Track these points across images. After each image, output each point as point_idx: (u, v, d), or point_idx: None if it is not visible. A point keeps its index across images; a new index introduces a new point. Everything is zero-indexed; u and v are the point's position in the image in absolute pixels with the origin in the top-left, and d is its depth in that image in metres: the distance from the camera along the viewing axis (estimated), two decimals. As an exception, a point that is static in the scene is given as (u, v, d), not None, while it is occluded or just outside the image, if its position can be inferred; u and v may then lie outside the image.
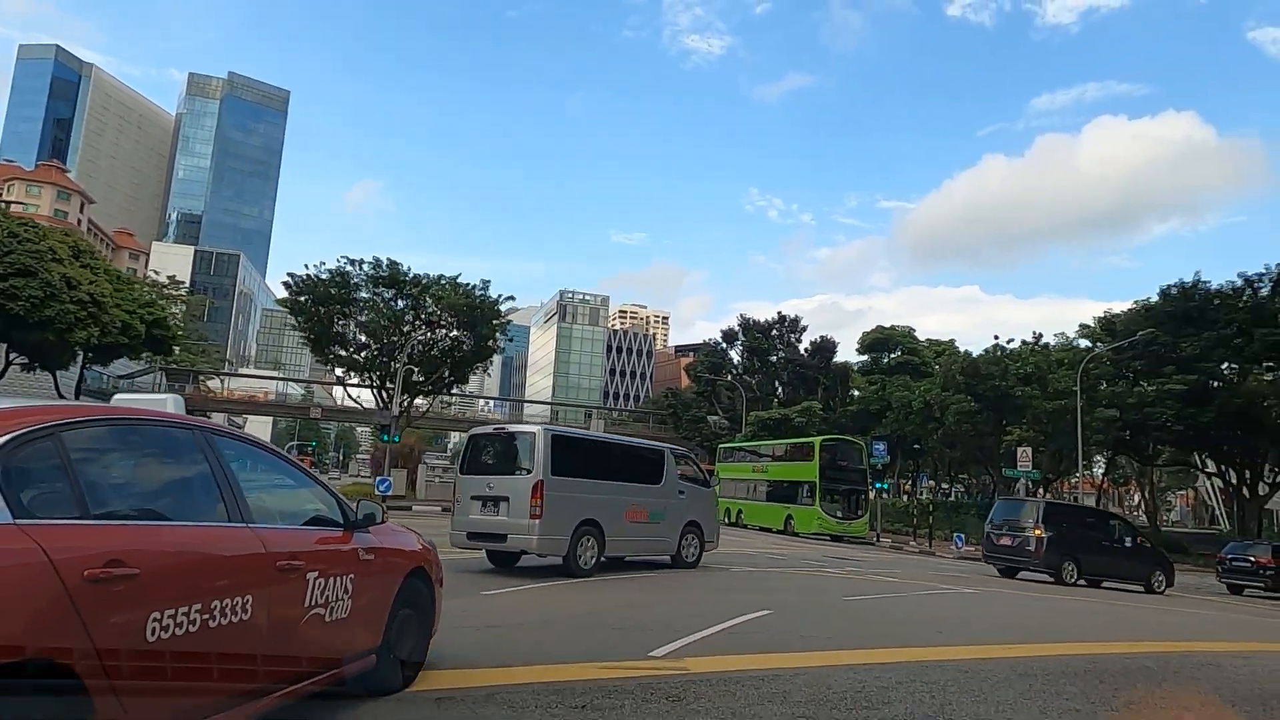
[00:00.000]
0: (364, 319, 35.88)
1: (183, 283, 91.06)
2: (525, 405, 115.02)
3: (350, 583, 4.05)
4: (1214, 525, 68.19)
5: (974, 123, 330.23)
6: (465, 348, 36.59)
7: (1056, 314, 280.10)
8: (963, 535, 32.01)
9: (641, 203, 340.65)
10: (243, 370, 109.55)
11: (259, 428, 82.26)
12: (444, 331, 36.40)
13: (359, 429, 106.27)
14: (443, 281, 35.98)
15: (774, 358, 64.62)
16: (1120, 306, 47.62)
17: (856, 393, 59.88)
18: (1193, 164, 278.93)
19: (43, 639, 2.40)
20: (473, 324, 35.90)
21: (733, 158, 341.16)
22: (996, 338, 48.10)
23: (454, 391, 47.48)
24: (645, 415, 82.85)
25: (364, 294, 35.63)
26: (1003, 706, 4.94)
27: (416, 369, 36.00)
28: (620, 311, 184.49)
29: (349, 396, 45.14)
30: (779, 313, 66.05)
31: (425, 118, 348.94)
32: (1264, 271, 38.72)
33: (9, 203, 79.87)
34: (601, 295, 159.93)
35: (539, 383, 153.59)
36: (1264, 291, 38.22)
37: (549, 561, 12.12)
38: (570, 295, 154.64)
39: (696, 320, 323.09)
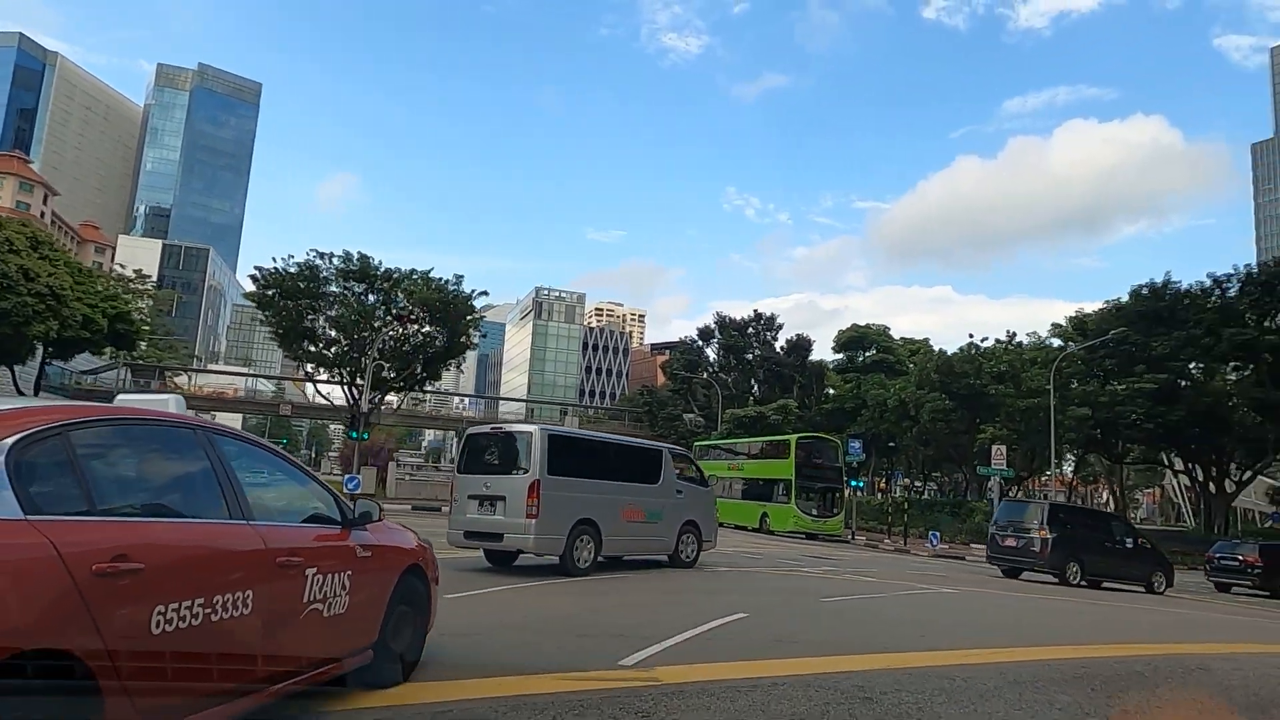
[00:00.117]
0: (334, 314, 35.21)
1: (149, 277, 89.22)
2: (500, 403, 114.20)
3: (348, 579, 4.12)
4: (1180, 522, 69.19)
5: (948, 124, 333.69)
6: (438, 343, 36.07)
7: (1028, 314, 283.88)
8: (938, 533, 32.00)
9: (618, 201, 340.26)
10: (212, 366, 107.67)
11: (227, 424, 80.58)
12: (416, 327, 35.81)
13: (332, 426, 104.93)
14: (415, 276, 35.39)
15: (750, 356, 64.47)
16: (1091, 307, 48.06)
17: (832, 391, 59.91)
18: (1160, 167, 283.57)
19: (54, 631, 2.47)
20: (445, 319, 35.36)
21: (710, 156, 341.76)
22: (971, 336, 48.26)
23: (427, 388, 46.79)
24: (621, 413, 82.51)
25: (334, 288, 34.97)
26: (994, 719, 4.66)
27: (388, 365, 35.37)
28: (597, 309, 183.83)
29: (319, 393, 44.33)
30: (755, 311, 65.95)
31: (401, 114, 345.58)
32: (1232, 272, 39.26)
33: (-33, 193, 77.65)
34: (578, 293, 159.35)
35: (514, 380, 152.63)
36: (1232, 292, 38.68)
37: (546, 560, 12.04)
38: (546, 292, 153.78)
39: (673, 319, 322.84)
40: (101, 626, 2.59)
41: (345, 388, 35.89)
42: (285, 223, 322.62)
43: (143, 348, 61.09)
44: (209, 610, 3.09)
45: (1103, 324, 41.42)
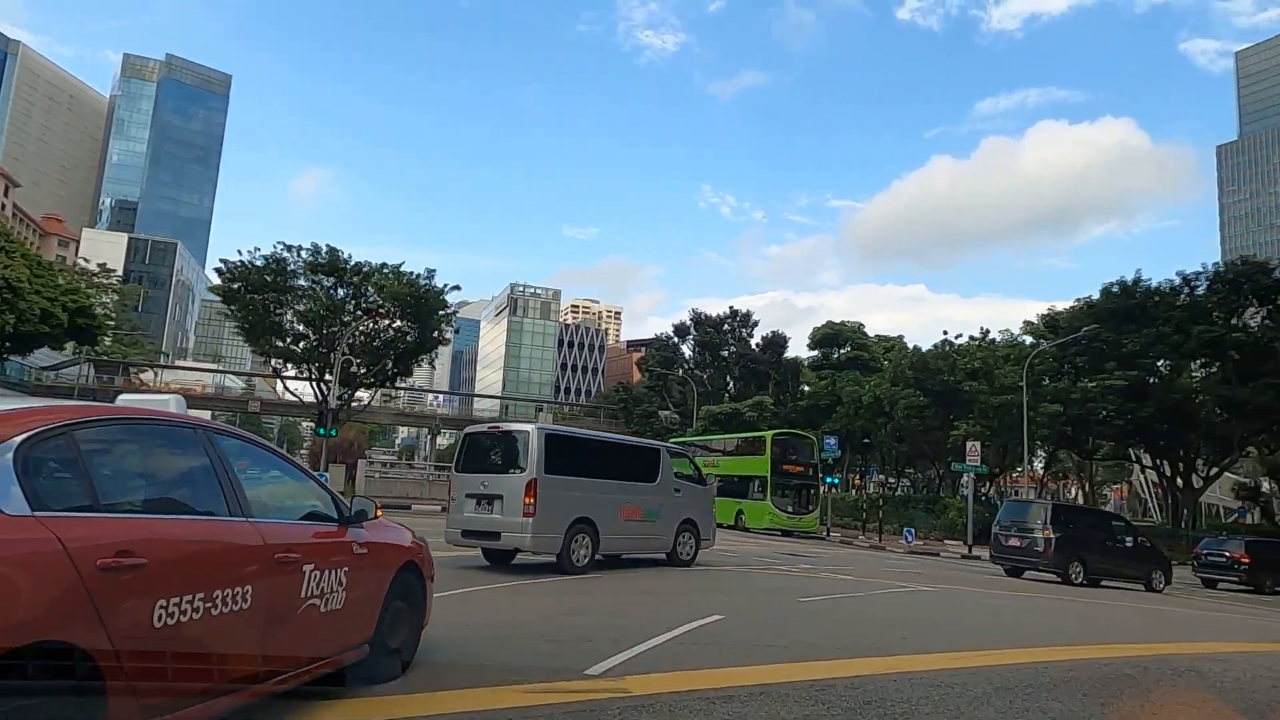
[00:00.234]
0: (302, 308, 34.37)
1: (114, 271, 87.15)
2: (475, 400, 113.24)
3: (344, 575, 4.19)
4: (1147, 517, 70.16)
5: (922, 124, 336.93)
6: (409, 339, 35.37)
7: (999, 313, 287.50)
8: (912, 530, 32.03)
9: (594, 198, 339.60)
10: (179, 363, 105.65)
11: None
12: (387, 322, 35.10)
13: (304, 423, 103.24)
14: (386, 270, 34.66)
15: (725, 352, 64.30)
16: (1062, 305, 48.46)
17: (807, 388, 59.89)
18: (1129, 168, 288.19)
19: (60, 624, 2.53)
20: (417, 314, 34.67)
21: (686, 154, 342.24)
22: (945, 333, 48.53)
23: (399, 385, 46.04)
24: (596, 410, 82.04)
25: (302, 282, 34.12)
26: (982, 729, 4.40)
27: (358, 361, 34.64)
28: (572, 306, 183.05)
29: (287, 389, 43.39)
30: (731, 308, 65.69)
31: (375, 109, 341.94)
32: (1201, 270, 39.74)
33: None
34: (553, 289, 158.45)
35: (489, 377, 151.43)
36: (1201, 290, 39.15)
37: (544, 559, 12.04)
38: (521, 289, 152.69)
39: (650, 316, 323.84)
40: (106, 620, 2.66)
41: (314, 384, 35.08)
42: (257, 218, 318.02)
43: (107, 343, 59.67)
44: (209, 605, 3.16)
45: (1074, 321, 41.72)
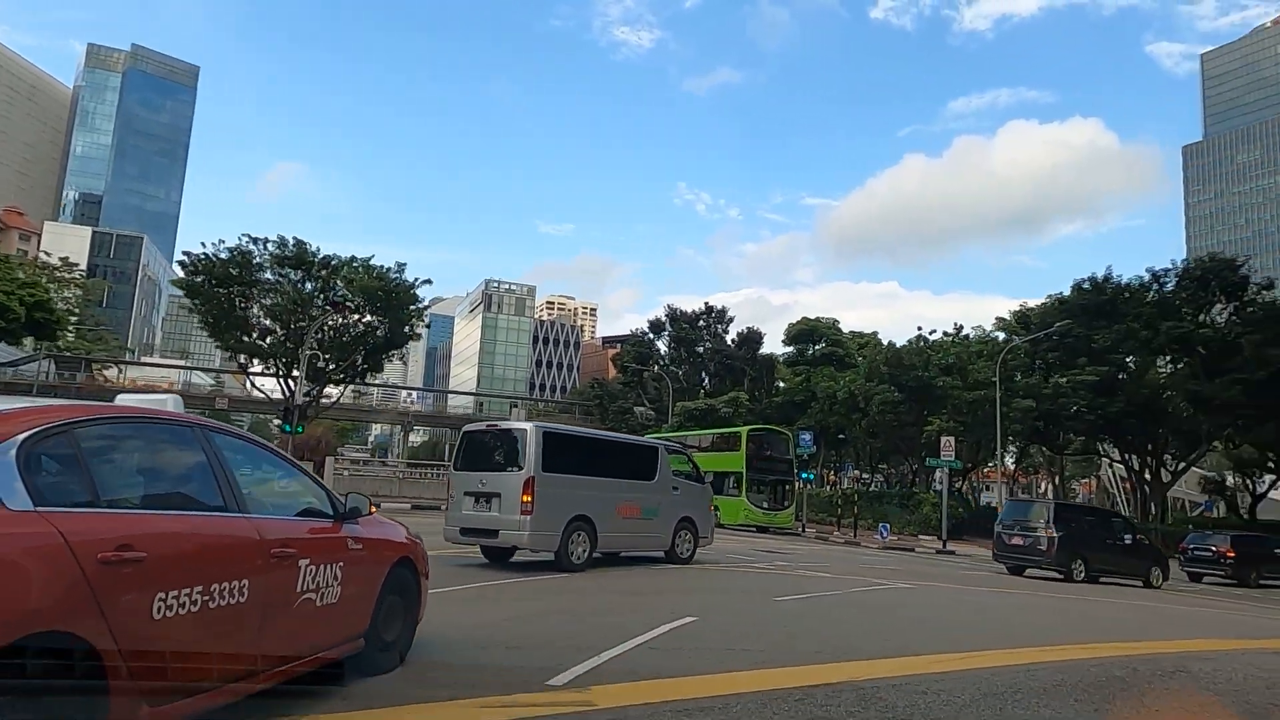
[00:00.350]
0: (268, 302, 33.54)
1: (77, 265, 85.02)
2: (449, 396, 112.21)
3: (340, 570, 4.27)
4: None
5: (895, 123, 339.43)
6: (380, 334, 34.66)
7: (970, 310, 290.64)
8: (887, 525, 32.02)
9: (570, 194, 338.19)
10: (145, 359, 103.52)
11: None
12: (357, 317, 34.36)
13: (274, 421, 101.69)
14: (355, 264, 33.91)
15: (701, 348, 64.06)
16: (1033, 302, 48.78)
17: (782, 384, 59.86)
18: (1097, 169, 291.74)
19: (63, 615, 2.59)
20: (387, 309, 33.98)
21: (662, 151, 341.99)
22: (919, 329, 48.58)
23: (372, 381, 45.24)
24: (571, 406, 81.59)
25: (268, 275, 33.27)
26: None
27: (327, 356, 33.87)
28: (548, 303, 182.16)
29: (253, 385, 42.43)
30: (706, 304, 65.49)
31: (347, 104, 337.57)
32: (1170, 267, 40.10)
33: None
34: (528, 285, 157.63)
35: (463, 374, 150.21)
36: (1169, 286, 39.52)
37: (542, 556, 12.11)
38: (496, 285, 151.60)
39: (625, 313, 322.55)
40: (107, 612, 2.73)
41: (280, 380, 34.24)
42: (227, 214, 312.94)
43: (69, 338, 58.18)
44: (207, 598, 3.23)
45: (1046, 318, 41.99)
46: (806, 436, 38.03)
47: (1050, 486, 72.07)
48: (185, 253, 32.93)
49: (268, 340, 33.70)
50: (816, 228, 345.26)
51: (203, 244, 32.43)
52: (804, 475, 37.79)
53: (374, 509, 4.91)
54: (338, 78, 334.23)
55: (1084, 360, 39.00)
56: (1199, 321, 38.19)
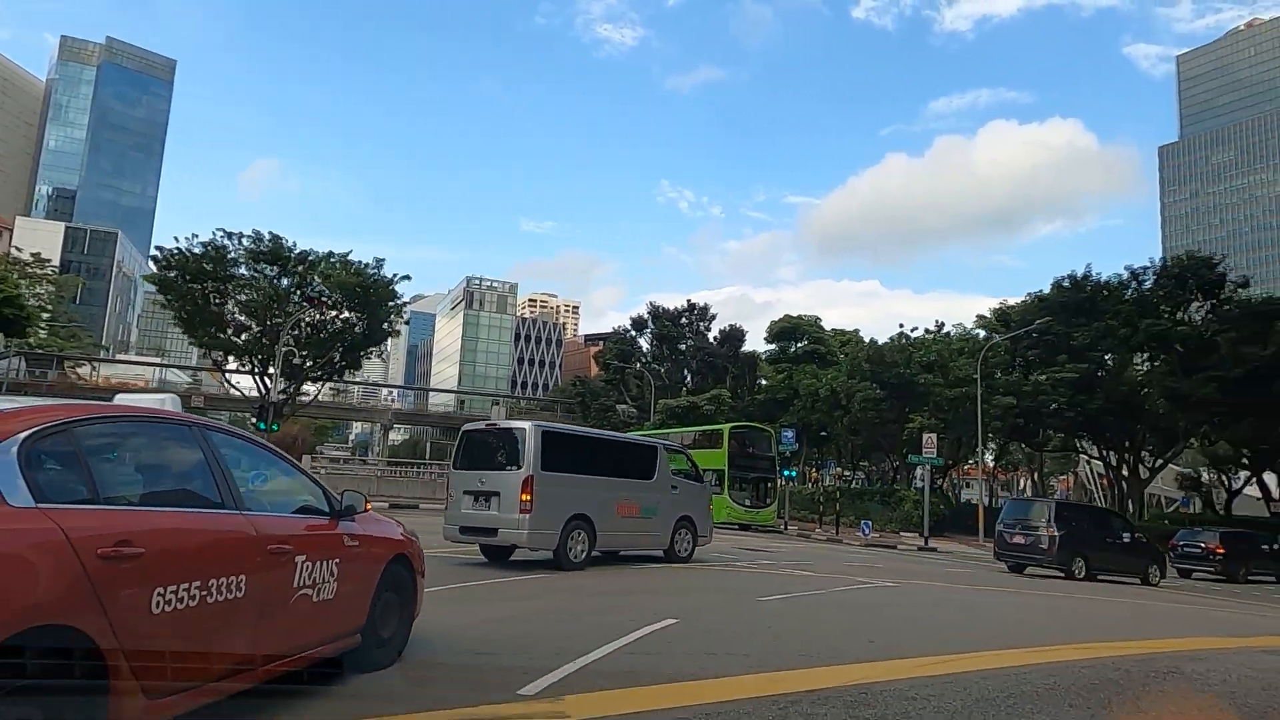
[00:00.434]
0: (244, 298, 32.92)
1: (50, 261, 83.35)
2: (430, 394, 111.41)
3: (336, 567, 4.32)
4: (1094, 508, 71.46)
5: (877, 122, 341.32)
6: (358, 330, 34.11)
7: (951, 309, 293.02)
8: (870, 522, 31.97)
9: (552, 191, 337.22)
10: (120, 356, 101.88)
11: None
12: (335, 313, 33.79)
13: (251, 419, 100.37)
14: (333, 259, 33.33)
15: (683, 346, 63.84)
16: (1012, 301, 49.00)
17: (765, 381, 59.78)
18: (1076, 169, 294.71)
19: (64, 609, 2.64)
20: (365, 305, 33.44)
21: (645, 149, 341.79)
22: (901, 326, 48.64)
23: (352, 379, 44.63)
24: (553, 404, 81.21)
25: (243, 270, 32.64)
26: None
27: (303, 353, 33.29)
28: (530, 300, 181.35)
29: (228, 383, 41.70)
30: (689, 301, 65.29)
31: (327, 100, 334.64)
32: (1149, 265, 40.36)
33: None
34: (510, 283, 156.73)
35: (445, 371, 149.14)
36: (1148, 284, 39.76)
37: (541, 555, 12.17)
38: (478, 282, 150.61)
39: (608, 310, 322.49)
40: (106, 606, 2.78)
41: (256, 377, 33.62)
42: (204, 210, 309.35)
43: (41, 335, 57.09)
44: (205, 593, 3.27)
45: (1026, 315, 42.15)
46: (789, 434, 37.93)
47: (1029, 483, 72.61)
48: (158, 247, 32.33)
49: (243, 337, 33.10)
50: (799, 226, 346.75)
51: (175, 238, 31.80)
52: (786, 473, 37.69)
53: (368, 506, 4.94)
54: (318, 74, 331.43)
55: (1064, 358, 39.17)
56: (1177, 319, 38.47)
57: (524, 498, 11.34)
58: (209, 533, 3.52)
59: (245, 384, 39.60)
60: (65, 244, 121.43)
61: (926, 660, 6.20)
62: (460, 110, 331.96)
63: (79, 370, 68.40)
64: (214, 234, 31.96)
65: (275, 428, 27.58)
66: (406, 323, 41.65)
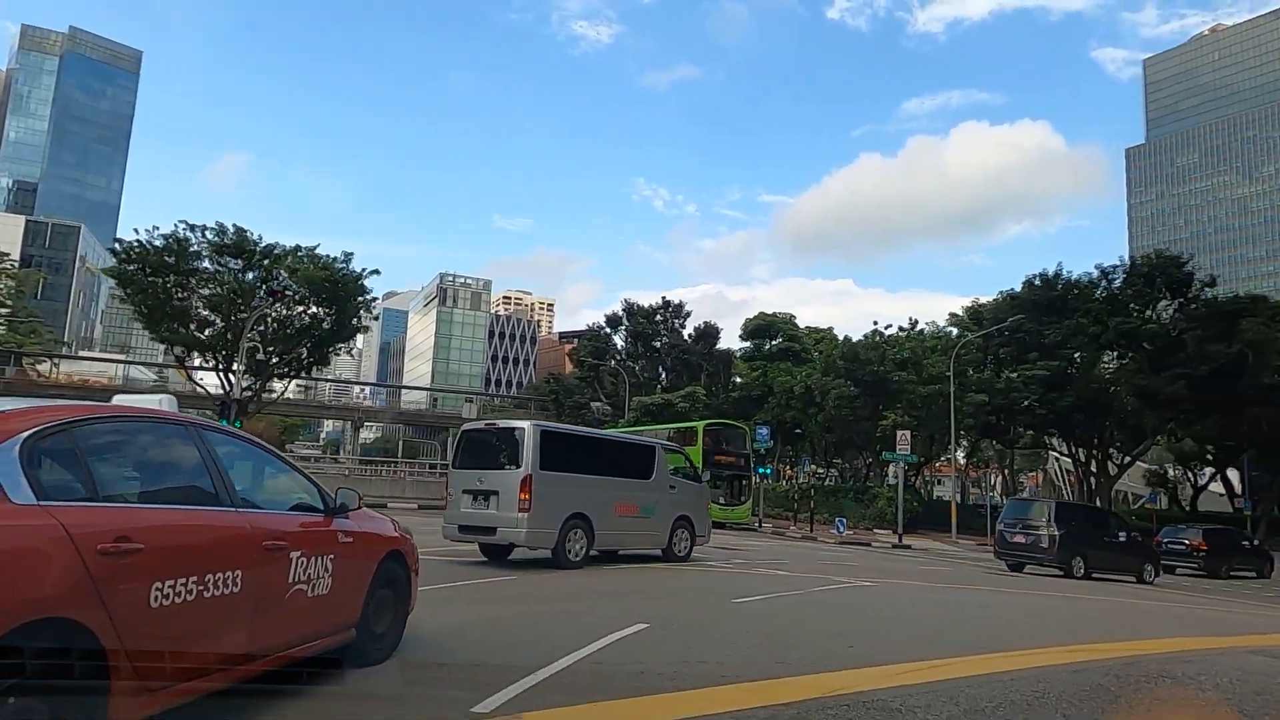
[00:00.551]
0: (207, 292, 32.05)
1: (9, 255, 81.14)
2: (403, 392, 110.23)
3: (330, 563, 4.39)
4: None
5: (851, 122, 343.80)
6: (326, 326, 33.36)
7: (922, 307, 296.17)
8: (844, 520, 31.90)
9: (527, 188, 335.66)
10: (84, 353, 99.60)
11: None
12: (301, 308, 33.02)
13: (213, 415, 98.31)
14: (299, 253, 32.56)
15: (658, 343, 63.55)
16: (985, 299, 49.29)
17: (739, 379, 59.72)
18: (1045, 170, 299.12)
19: (65, 603, 2.72)
20: (334, 300, 32.71)
21: (620, 146, 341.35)
22: (875, 323, 48.81)
23: (322, 376, 43.75)
24: (526, 401, 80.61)
25: (207, 264, 31.78)
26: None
27: (270, 349, 32.50)
28: (504, 297, 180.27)
29: (191, 380, 40.63)
30: (663, 298, 64.98)
31: (298, 95, 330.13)
32: (1118, 263, 40.78)
33: None
34: (484, 280, 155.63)
35: (418, 368, 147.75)
36: (1118, 283, 40.16)
37: (540, 554, 12.22)
38: (451, 279, 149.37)
39: (583, 308, 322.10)
40: (106, 600, 2.84)
41: (221, 374, 32.76)
42: (172, 204, 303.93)
43: (2, 331, 55.63)
44: (201, 588, 3.34)
45: (998, 313, 42.38)
46: (763, 431, 37.81)
47: (1000, 480, 73.28)
48: (117, 240, 31.29)
49: (206, 332, 32.24)
50: (773, 225, 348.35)
51: (136, 230, 30.86)
52: (761, 470, 37.54)
53: (360, 503, 4.97)
54: (289, 68, 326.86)
55: (1035, 355, 39.43)
56: (1145, 317, 38.89)
57: (523, 497, 11.40)
58: (206, 529, 3.59)
59: (210, 381, 38.56)
60: (26, 238, 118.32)
61: (911, 666, 5.92)
62: (434, 106, 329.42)
63: (39, 367, 66.67)
64: (176, 226, 31.10)
65: (238, 425, 26.81)
66: (376, 318, 40.90)
